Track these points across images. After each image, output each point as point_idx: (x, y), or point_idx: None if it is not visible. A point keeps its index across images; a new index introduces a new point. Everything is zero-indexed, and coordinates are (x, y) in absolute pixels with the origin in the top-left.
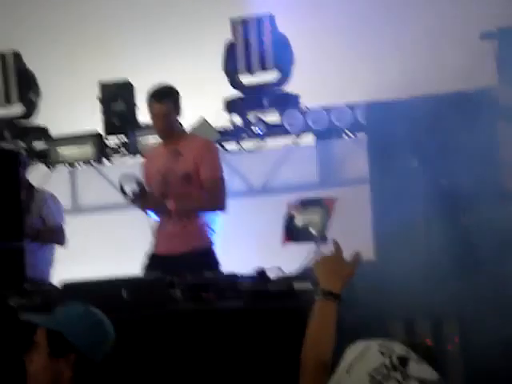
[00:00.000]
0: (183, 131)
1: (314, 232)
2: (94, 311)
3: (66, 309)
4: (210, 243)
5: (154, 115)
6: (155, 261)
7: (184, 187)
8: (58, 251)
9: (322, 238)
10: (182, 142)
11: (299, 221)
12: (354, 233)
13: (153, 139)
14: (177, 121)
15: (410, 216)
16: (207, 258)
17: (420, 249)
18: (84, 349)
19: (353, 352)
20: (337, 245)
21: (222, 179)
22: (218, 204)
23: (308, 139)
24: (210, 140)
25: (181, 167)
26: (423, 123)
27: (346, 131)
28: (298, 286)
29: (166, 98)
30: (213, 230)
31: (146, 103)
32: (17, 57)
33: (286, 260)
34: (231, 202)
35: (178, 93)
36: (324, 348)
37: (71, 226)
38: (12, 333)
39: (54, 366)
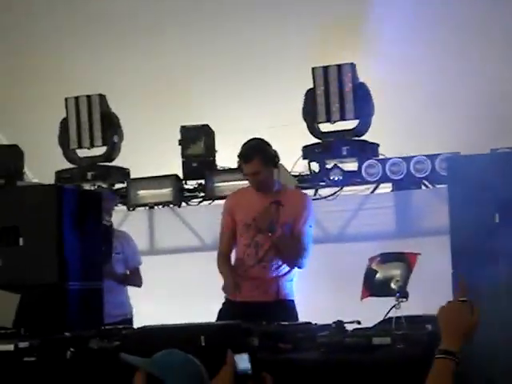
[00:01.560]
0: (280, 183)
1: (394, 287)
2: (194, 360)
3: (168, 355)
4: (291, 295)
5: (245, 175)
6: (233, 307)
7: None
8: (134, 292)
9: (402, 294)
10: (283, 194)
11: (380, 275)
12: (433, 286)
13: (230, 184)
14: (271, 175)
15: (490, 273)
16: (287, 309)
17: (502, 307)
18: None
19: None
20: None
21: (310, 237)
22: (302, 257)
23: (386, 188)
24: (307, 195)
25: (282, 218)
26: (505, 178)
27: (425, 182)
28: (376, 340)
29: (254, 158)
30: (292, 281)
31: (238, 163)
32: (102, 99)
33: (364, 312)
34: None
35: (265, 149)
36: None
37: (148, 266)
38: (98, 378)
39: None
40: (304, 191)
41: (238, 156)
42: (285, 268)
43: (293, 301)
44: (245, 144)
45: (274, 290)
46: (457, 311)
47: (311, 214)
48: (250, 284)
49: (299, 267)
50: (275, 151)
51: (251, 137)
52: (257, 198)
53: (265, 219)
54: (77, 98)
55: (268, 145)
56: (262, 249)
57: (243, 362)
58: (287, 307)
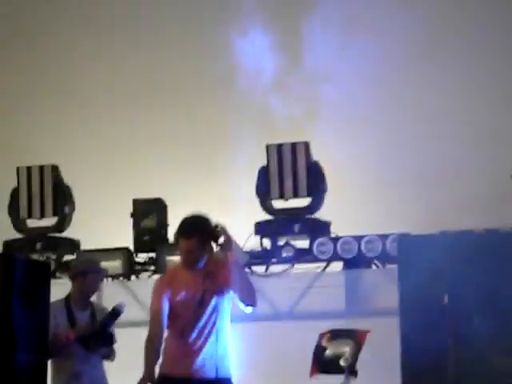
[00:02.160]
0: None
1: (344, 364)
2: None
3: None
4: (229, 373)
5: (180, 249)
6: (169, 383)
7: (222, 300)
8: None
9: (351, 371)
10: (208, 263)
11: (330, 352)
12: (382, 365)
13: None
14: (204, 252)
15: (439, 354)
16: None
17: None
18: None
19: None
20: None
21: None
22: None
23: (336, 266)
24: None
25: (218, 284)
26: (455, 259)
27: (376, 262)
28: None
29: (193, 236)
30: (229, 359)
31: (175, 236)
32: (54, 170)
33: None
34: (257, 326)
35: (205, 227)
36: None
37: None
38: None
39: None
40: (254, 267)
41: (178, 230)
42: (227, 343)
43: (230, 379)
44: (186, 219)
45: (214, 367)
46: None
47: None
48: (190, 360)
49: (253, 304)
50: (215, 226)
51: (204, 210)
52: (189, 275)
53: None
54: (29, 168)
55: (208, 222)
56: (202, 321)
57: None
58: None
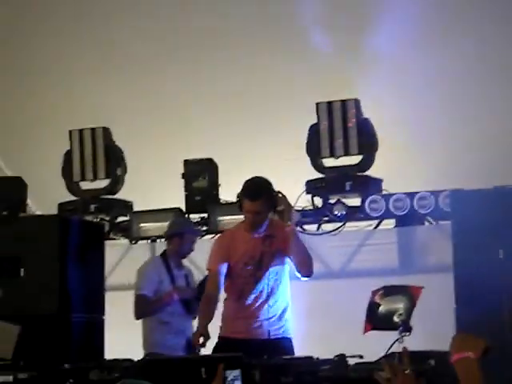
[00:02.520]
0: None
1: (397, 320)
2: None
3: None
4: (287, 333)
5: (246, 212)
6: (228, 344)
7: (280, 264)
8: (136, 325)
9: (405, 327)
10: (270, 227)
11: (383, 308)
12: (436, 322)
13: (233, 218)
14: (268, 214)
15: (495, 308)
16: (284, 348)
17: (505, 343)
18: None
19: None
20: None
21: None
22: (312, 264)
23: (389, 224)
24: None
25: (276, 247)
26: (509, 214)
27: (428, 218)
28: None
29: (260, 198)
30: (288, 320)
31: (240, 197)
32: (106, 132)
33: (367, 346)
34: (309, 284)
35: (270, 190)
36: None
37: None
38: None
39: None
40: (306, 226)
41: (243, 192)
42: (281, 306)
43: (289, 339)
44: (250, 181)
45: (270, 328)
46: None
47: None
48: (247, 322)
49: (309, 274)
50: (277, 193)
51: (255, 170)
52: (249, 237)
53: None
54: (81, 131)
55: (272, 185)
56: (261, 283)
57: (233, 378)
58: (283, 346)
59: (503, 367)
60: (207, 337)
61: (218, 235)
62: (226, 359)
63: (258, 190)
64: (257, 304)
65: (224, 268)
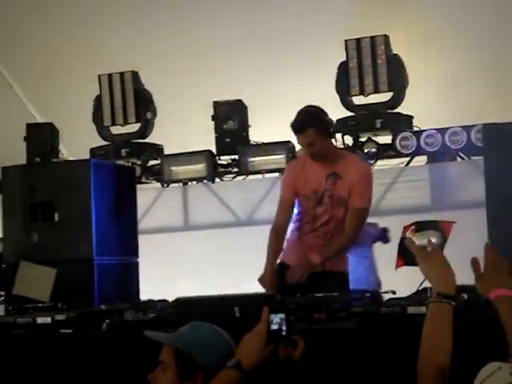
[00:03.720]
0: (338, 151)
1: None
2: (220, 331)
3: (194, 329)
4: (341, 266)
5: (299, 144)
6: (284, 272)
7: (338, 210)
8: (169, 268)
9: None
10: (341, 165)
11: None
12: (469, 256)
13: (263, 159)
14: (326, 145)
15: None
16: (335, 280)
17: None
18: (212, 368)
19: (487, 370)
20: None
21: (366, 210)
22: (354, 237)
23: (420, 160)
24: (369, 166)
25: (338, 191)
26: None
27: (460, 154)
28: (411, 310)
29: (306, 129)
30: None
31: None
32: (135, 76)
33: (399, 281)
34: None
35: (320, 118)
36: (441, 351)
37: (182, 241)
38: (133, 350)
39: None
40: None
41: (291, 126)
42: (338, 248)
43: (343, 272)
44: (298, 113)
45: (330, 261)
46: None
47: (368, 188)
48: (302, 252)
49: (354, 244)
50: (331, 119)
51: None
52: (315, 169)
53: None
54: (110, 76)
55: (323, 113)
56: (320, 221)
57: (278, 321)
58: (336, 278)
59: None
60: (275, 278)
61: (289, 162)
62: (260, 298)
63: (303, 122)
64: (313, 241)
65: (293, 196)
